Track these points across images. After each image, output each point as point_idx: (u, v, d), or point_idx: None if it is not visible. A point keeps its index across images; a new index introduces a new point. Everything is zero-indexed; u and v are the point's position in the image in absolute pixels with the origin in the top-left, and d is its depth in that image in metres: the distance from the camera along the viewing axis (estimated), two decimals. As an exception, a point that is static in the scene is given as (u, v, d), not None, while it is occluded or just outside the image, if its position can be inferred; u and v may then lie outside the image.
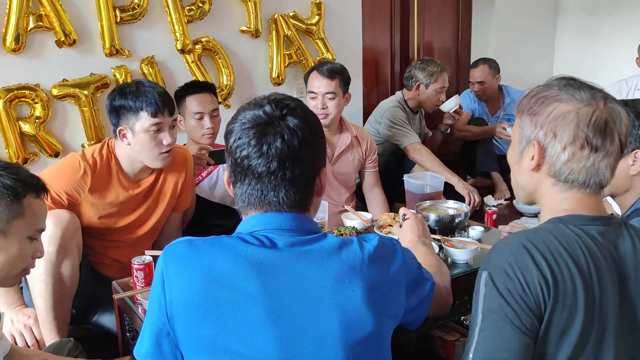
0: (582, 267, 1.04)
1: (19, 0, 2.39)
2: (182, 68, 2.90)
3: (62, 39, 2.52)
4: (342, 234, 2.09)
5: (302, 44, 3.24)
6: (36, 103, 2.52)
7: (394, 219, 2.21)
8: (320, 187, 1.14)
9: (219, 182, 2.71)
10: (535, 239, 1.07)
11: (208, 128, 2.53)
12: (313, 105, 2.60)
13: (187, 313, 1.02)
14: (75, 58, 2.61)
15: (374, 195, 2.85)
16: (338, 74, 2.60)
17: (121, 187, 2.08)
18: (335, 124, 2.71)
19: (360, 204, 3.00)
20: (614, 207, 1.81)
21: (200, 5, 2.88)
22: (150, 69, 2.79)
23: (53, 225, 1.86)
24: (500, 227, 2.05)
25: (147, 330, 1.09)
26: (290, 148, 1.05)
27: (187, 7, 2.85)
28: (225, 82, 3.02)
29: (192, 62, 2.90)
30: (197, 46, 2.90)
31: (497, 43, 4.61)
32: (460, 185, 2.93)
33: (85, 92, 2.61)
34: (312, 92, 2.61)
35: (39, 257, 1.40)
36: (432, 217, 2.21)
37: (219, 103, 2.97)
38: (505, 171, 3.91)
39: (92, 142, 2.64)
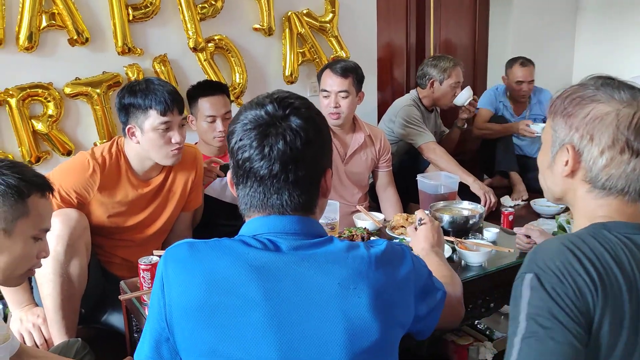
0: (628, 274, 0.98)
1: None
2: (194, 66, 2.89)
3: (75, 37, 2.52)
4: (353, 235, 2.06)
5: (316, 42, 3.21)
6: (49, 102, 2.52)
7: (407, 219, 2.17)
8: (326, 188, 1.10)
9: (230, 182, 2.69)
10: (580, 243, 1.00)
11: (220, 131, 2.50)
12: (326, 103, 2.57)
13: (186, 318, 0.99)
14: (88, 56, 2.61)
15: (388, 195, 2.81)
16: (351, 72, 2.56)
17: (130, 186, 2.07)
18: (349, 123, 2.67)
19: (374, 204, 2.96)
20: None
21: (213, 3, 2.86)
22: (163, 68, 2.78)
23: (61, 225, 1.85)
24: (515, 229, 2.00)
25: (146, 335, 1.06)
26: (293, 150, 1.02)
27: (200, 5, 2.83)
28: (237, 80, 3.00)
29: (205, 60, 2.88)
30: (209, 44, 2.88)
31: (515, 42, 4.52)
32: (475, 186, 2.88)
33: (98, 90, 2.60)
34: (325, 91, 2.57)
35: (44, 257, 1.39)
36: (446, 218, 2.17)
37: (232, 102, 2.95)
38: (524, 171, 3.84)
39: (104, 140, 2.64)
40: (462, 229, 2.15)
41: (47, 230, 1.37)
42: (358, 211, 2.41)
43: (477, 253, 1.87)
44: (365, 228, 2.11)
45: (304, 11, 3.18)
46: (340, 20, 3.30)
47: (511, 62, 3.91)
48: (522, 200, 3.69)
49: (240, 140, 1.04)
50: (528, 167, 3.80)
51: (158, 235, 2.23)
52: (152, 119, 1.98)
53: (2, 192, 1.26)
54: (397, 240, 2.00)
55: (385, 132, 3.24)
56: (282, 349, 0.96)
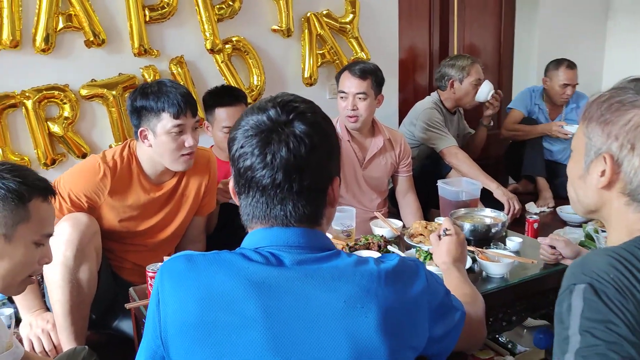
0: None
1: (49, 1, 2.39)
2: (211, 68, 2.85)
3: (91, 38, 2.50)
4: (369, 243, 1.99)
5: (336, 43, 3.15)
6: (65, 103, 2.51)
7: (426, 227, 2.09)
8: (333, 198, 1.03)
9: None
10: (630, 257, 0.92)
11: None
12: (343, 105, 2.50)
13: (181, 336, 0.93)
14: (104, 58, 2.59)
15: (408, 201, 2.73)
16: (370, 74, 2.49)
17: (142, 190, 2.03)
18: (367, 126, 2.60)
19: (395, 210, 2.88)
20: None
21: (231, 3, 2.82)
22: (180, 69, 2.74)
23: (71, 229, 1.82)
24: (539, 239, 1.90)
25: (142, 351, 1.01)
26: (297, 157, 0.95)
27: (217, 6, 2.79)
28: (255, 82, 2.95)
29: (222, 62, 2.84)
30: (227, 46, 2.84)
31: (542, 43, 4.38)
32: (499, 192, 2.77)
33: (114, 92, 2.58)
34: (343, 92, 2.51)
35: (46, 263, 1.35)
36: (467, 226, 2.08)
37: (249, 104, 2.91)
38: (552, 177, 3.70)
39: (120, 143, 2.60)
40: (484, 238, 2.07)
41: (50, 235, 1.33)
42: (376, 217, 2.34)
43: (498, 264, 1.78)
44: (382, 236, 2.04)
45: (324, 12, 3.12)
46: (360, 21, 3.23)
47: (556, 64, 3.72)
48: (548, 207, 3.57)
49: (242, 147, 0.98)
50: (557, 173, 3.66)
51: (170, 240, 2.19)
52: (165, 121, 1.94)
53: (2, 197, 1.23)
54: (414, 250, 1.92)
55: (406, 136, 3.16)
56: None
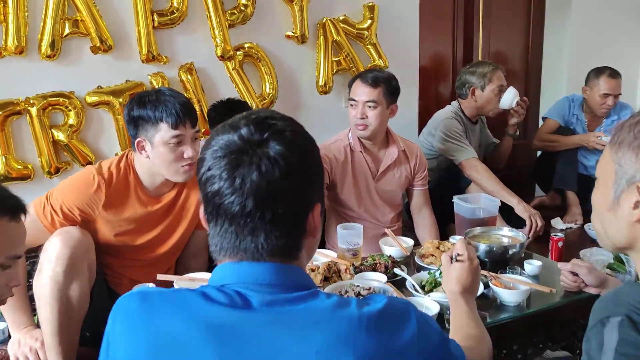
0: None
1: (55, 6, 2.33)
2: (222, 75, 2.77)
3: (98, 44, 2.44)
4: (376, 263, 1.87)
5: (352, 50, 3.03)
6: (70, 111, 2.45)
7: (438, 247, 1.96)
8: (314, 227, 0.92)
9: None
10: None
11: None
12: (353, 114, 2.39)
13: None
14: (111, 64, 2.52)
15: (423, 216, 2.59)
16: (382, 82, 2.37)
17: (139, 203, 1.95)
18: (380, 137, 2.47)
19: (411, 224, 2.73)
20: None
21: (243, 9, 2.73)
22: (189, 76, 2.67)
23: (61, 244, 1.74)
24: (560, 264, 1.75)
25: None
26: (270, 182, 0.84)
27: (229, 11, 2.70)
28: (267, 90, 2.85)
29: (233, 69, 2.75)
30: (238, 52, 2.75)
31: (573, 49, 4.17)
32: (520, 208, 2.60)
33: (120, 99, 2.51)
34: (353, 100, 2.40)
35: (16, 286, 1.26)
36: (482, 247, 1.95)
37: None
38: (583, 192, 3.48)
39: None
40: (500, 260, 1.93)
41: (18, 257, 1.24)
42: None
43: (513, 292, 1.64)
44: (390, 256, 1.92)
45: (341, 17, 3.01)
46: (379, 27, 3.11)
47: (597, 73, 3.49)
48: (576, 224, 3.35)
49: (209, 169, 0.87)
50: (590, 189, 3.42)
51: (170, 255, 2.10)
52: (163, 132, 1.85)
53: None
54: (426, 272, 1.78)
55: (425, 147, 3.03)
56: None
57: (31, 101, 2.37)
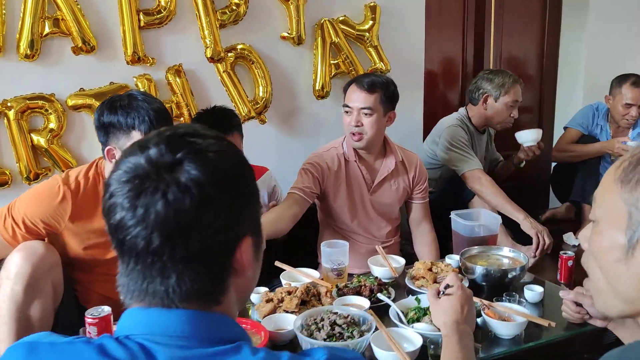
0: None
1: (34, 4, 2.22)
2: (212, 78, 2.64)
3: (80, 45, 2.32)
4: (361, 286, 1.71)
5: (352, 53, 2.88)
6: (50, 114, 2.33)
7: (430, 269, 1.80)
8: (243, 265, 0.77)
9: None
10: None
11: None
12: (347, 121, 2.23)
13: None
14: (94, 66, 2.41)
15: (422, 231, 2.41)
16: (380, 87, 2.20)
17: (109, 215, 1.81)
18: (376, 146, 2.31)
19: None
20: None
21: (235, 8, 2.60)
22: (177, 79, 2.54)
23: (22, 260, 1.62)
24: (561, 293, 1.57)
25: None
26: (178, 214, 0.69)
27: (220, 11, 2.57)
28: (261, 94, 2.71)
29: (224, 71, 2.62)
30: (229, 54, 2.62)
31: (591, 55, 3.96)
32: (526, 224, 2.42)
33: (103, 103, 2.39)
34: (347, 107, 2.24)
35: None
36: (479, 270, 1.78)
37: (252, 118, 2.67)
38: None
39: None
40: (499, 284, 1.77)
41: None
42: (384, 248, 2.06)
43: (508, 324, 1.48)
44: (376, 278, 1.76)
45: (340, 18, 2.86)
46: (381, 28, 2.95)
47: (620, 80, 3.28)
48: (589, 240, 3.15)
49: (111, 197, 0.73)
50: None
51: (143, 270, 1.96)
52: (135, 140, 1.71)
53: None
54: (415, 297, 1.62)
55: (428, 155, 2.86)
56: None
57: (9, 104, 2.26)
